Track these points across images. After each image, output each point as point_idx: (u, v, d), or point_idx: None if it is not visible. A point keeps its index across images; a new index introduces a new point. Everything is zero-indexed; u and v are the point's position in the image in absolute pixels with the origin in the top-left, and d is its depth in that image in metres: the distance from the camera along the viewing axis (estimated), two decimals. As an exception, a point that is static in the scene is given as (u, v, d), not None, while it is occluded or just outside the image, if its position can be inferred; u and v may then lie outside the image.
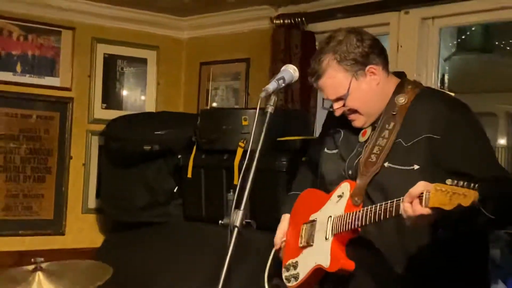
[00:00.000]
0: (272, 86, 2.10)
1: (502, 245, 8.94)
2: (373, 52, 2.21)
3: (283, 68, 2.22)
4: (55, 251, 4.38)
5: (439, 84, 3.92)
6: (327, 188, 2.33)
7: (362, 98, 2.22)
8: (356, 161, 2.23)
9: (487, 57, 12.35)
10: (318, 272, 2.21)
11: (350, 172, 2.24)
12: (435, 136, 2.08)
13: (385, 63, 2.25)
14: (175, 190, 4.14)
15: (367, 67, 2.20)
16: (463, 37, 10.92)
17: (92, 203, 4.65)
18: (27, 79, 4.38)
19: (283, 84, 2.14)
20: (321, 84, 2.26)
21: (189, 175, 3.89)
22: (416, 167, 2.08)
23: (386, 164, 2.13)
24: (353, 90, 2.20)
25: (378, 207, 2.00)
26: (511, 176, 2.19)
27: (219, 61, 4.69)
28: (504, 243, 9.10)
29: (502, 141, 14.35)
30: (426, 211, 1.81)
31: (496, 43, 11.88)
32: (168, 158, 4.12)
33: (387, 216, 1.95)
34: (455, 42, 10.05)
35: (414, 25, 3.68)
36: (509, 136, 14.35)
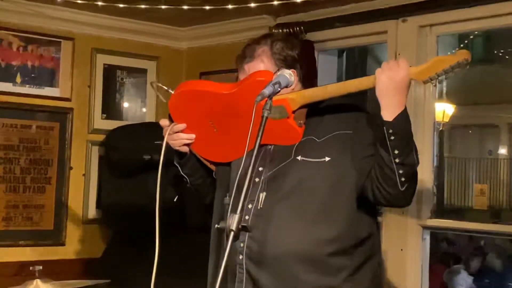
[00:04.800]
0: (268, 90, 2.10)
1: (503, 254, 8.94)
2: (299, 61, 2.37)
3: (279, 72, 2.24)
4: (55, 262, 4.38)
5: (437, 95, 3.92)
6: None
7: None
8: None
9: (488, 67, 12.37)
10: None
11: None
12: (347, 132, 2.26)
13: (304, 76, 2.39)
14: (175, 200, 4.14)
15: (290, 70, 2.30)
16: (463, 47, 10.92)
17: (92, 213, 4.65)
18: (27, 89, 4.39)
19: (279, 89, 2.15)
20: (249, 66, 2.36)
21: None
22: (327, 159, 2.23)
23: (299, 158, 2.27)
24: None
25: None
26: None
27: (219, 71, 4.69)
28: (506, 253, 9.10)
29: (503, 152, 14.35)
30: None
31: (498, 53, 11.89)
32: (168, 167, 4.12)
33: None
34: (453, 52, 10.04)
35: (412, 33, 3.69)
36: (511, 147, 14.34)
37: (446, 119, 10.65)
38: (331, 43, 4.20)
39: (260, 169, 2.31)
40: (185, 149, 2.54)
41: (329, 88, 2.30)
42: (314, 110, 2.34)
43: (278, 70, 2.32)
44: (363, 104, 2.27)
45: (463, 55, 2.05)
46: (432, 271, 3.79)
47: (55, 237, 4.50)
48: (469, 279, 7.38)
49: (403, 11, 3.71)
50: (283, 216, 2.22)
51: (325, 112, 2.34)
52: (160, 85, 2.69)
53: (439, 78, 2.10)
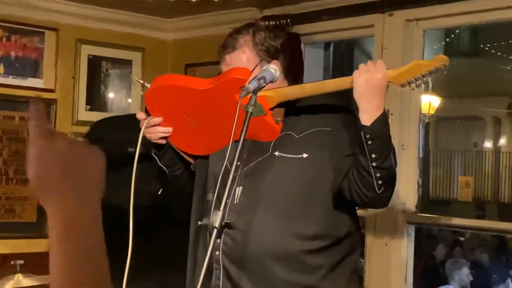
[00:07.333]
0: (252, 85, 2.08)
1: (490, 249, 9.00)
2: (282, 52, 2.36)
3: (264, 67, 2.22)
4: (38, 254, 4.32)
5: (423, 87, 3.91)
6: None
7: None
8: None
9: (474, 61, 12.41)
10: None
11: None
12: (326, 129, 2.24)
13: (287, 68, 2.39)
14: (159, 193, 4.11)
15: (273, 61, 2.30)
16: (449, 41, 10.95)
17: (75, 206, 4.60)
18: (10, 80, 4.33)
19: (264, 84, 2.13)
20: (231, 57, 2.34)
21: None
22: (305, 155, 2.21)
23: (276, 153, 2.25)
24: (254, 73, 2.24)
25: None
26: None
27: (205, 63, 4.66)
28: (492, 247, 9.15)
29: (489, 145, 14.43)
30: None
31: (484, 47, 11.92)
32: (152, 160, 4.09)
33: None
34: (440, 45, 10.06)
35: (399, 27, 3.67)
36: (496, 140, 14.42)
37: (432, 112, 10.69)
38: (317, 36, 4.17)
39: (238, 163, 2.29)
40: (162, 141, 2.53)
41: (307, 87, 2.29)
42: (293, 108, 2.33)
43: (260, 62, 2.30)
44: (349, 102, 2.25)
45: (441, 61, 2.05)
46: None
47: (38, 230, 4.45)
48: (468, 278, 7.35)
49: (390, 5, 3.69)
50: (259, 213, 2.21)
51: (306, 110, 2.33)
52: (137, 79, 2.68)
53: (417, 82, 2.09)
